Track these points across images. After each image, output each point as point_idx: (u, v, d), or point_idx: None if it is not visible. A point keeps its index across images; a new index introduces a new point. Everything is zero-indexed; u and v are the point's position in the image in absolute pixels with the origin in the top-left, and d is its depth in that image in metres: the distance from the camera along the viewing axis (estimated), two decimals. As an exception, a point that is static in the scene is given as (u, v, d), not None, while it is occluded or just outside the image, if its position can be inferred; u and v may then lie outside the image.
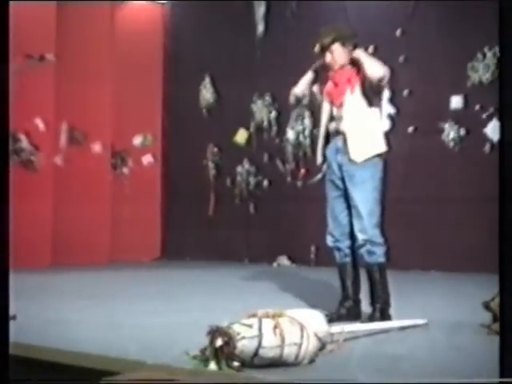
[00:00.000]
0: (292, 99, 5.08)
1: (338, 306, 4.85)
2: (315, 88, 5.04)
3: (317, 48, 4.91)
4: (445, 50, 8.34)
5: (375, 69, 4.74)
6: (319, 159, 5.00)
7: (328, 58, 4.86)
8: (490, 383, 2.97)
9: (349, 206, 4.85)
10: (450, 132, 8.41)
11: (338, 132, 4.85)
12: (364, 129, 4.81)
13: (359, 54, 4.82)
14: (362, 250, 4.79)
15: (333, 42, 4.82)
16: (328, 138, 4.94)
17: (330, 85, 4.95)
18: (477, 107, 8.23)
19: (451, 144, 8.42)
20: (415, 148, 8.49)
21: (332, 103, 4.91)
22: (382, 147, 4.85)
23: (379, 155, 4.83)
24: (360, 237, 4.77)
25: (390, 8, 8.69)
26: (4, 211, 3.28)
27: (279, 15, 9.76)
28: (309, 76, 5.02)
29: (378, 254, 4.76)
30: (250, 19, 9.98)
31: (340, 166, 4.84)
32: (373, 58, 4.86)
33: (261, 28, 9.97)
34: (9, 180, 3.34)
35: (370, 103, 4.81)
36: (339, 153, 4.84)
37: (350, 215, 4.85)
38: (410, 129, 8.61)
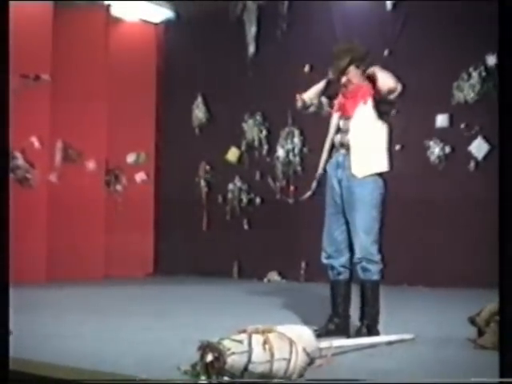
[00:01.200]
0: (299, 104, 5.07)
1: (327, 322, 4.86)
2: (324, 99, 5.06)
3: (334, 72, 4.92)
4: (431, 70, 8.45)
5: (387, 80, 4.74)
6: (320, 171, 4.98)
7: (343, 79, 4.89)
8: (490, 383, 3.03)
9: (345, 222, 4.84)
10: (436, 150, 8.54)
11: (342, 145, 4.84)
12: (369, 144, 4.81)
13: (374, 69, 4.83)
14: (358, 267, 4.78)
15: (348, 65, 4.85)
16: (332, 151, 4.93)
17: (342, 97, 4.96)
18: (462, 126, 8.36)
19: (437, 161, 8.56)
20: (402, 165, 8.58)
21: (341, 115, 4.91)
22: (384, 166, 4.85)
23: (380, 173, 4.83)
24: (356, 254, 4.76)
25: (378, 29, 8.81)
26: (4, 228, 3.34)
27: (270, 36, 9.86)
28: (320, 85, 5.05)
29: (373, 272, 4.76)
30: (241, 40, 10.09)
31: (339, 182, 4.84)
32: (387, 72, 4.84)
33: (252, 48, 10.08)
34: (8, 199, 3.41)
35: (379, 120, 4.83)
36: (339, 168, 4.84)
37: (347, 232, 4.84)
38: (397, 147, 8.73)
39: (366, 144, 4.81)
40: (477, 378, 3.17)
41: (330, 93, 5.06)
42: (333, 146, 4.93)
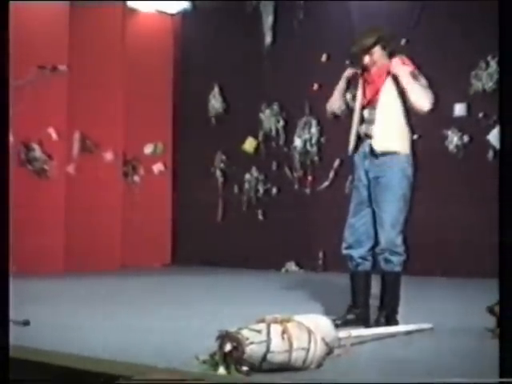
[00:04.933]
0: (329, 114, 5.04)
1: (346, 312, 4.83)
2: (348, 96, 4.96)
3: (356, 48, 4.82)
4: (448, 59, 8.41)
5: (421, 102, 4.67)
6: (350, 152, 4.90)
7: (366, 59, 4.79)
8: (490, 383, 3.01)
9: (369, 213, 4.80)
10: (454, 139, 8.51)
11: (367, 135, 4.77)
12: (392, 124, 4.73)
13: (403, 78, 4.67)
14: (380, 257, 4.76)
15: (375, 44, 4.76)
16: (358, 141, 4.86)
17: (364, 84, 4.86)
18: (480, 115, 8.32)
19: (455, 151, 8.53)
20: (419, 154, 8.55)
21: (365, 104, 4.81)
22: (406, 147, 4.78)
23: (407, 161, 4.78)
24: (380, 244, 4.74)
25: (395, 18, 8.76)
26: (4, 217, 3.34)
27: (287, 25, 9.85)
28: (341, 86, 4.95)
29: (395, 263, 4.73)
30: (258, 29, 10.09)
31: (367, 173, 4.79)
32: (418, 86, 4.69)
33: (269, 38, 10.08)
34: (8, 186, 3.41)
35: (403, 105, 4.74)
36: (366, 159, 4.78)
37: (370, 223, 4.80)
38: (415, 136, 8.68)
39: (389, 123, 4.74)
40: (477, 378, 3.15)
41: (352, 89, 4.95)
42: (358, 137, 4.86)
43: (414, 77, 4.74)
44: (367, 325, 4.75)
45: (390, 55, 4.83)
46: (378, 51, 4.79)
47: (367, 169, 4.80)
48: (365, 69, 4.87)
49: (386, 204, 4.73)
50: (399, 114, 4.77)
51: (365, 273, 4.89)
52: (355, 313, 4.84)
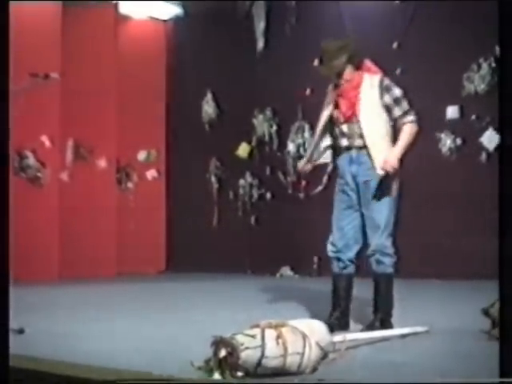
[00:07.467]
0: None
1: (329, 316, 4.78)
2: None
3: (326, 71, 4.78)
4: (441, 62, 8.42)
5: (413, 136, 4.82)
6: (302, 165, 4.97)
7: (338, 80, 4.75)
8: (490, 383, 3.02)
9: (357, 217, 4.80)
10: (447, 141, 8.53)
11: (350, 148, 4.75)
12: (384, 140, 4.74)
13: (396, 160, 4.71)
14: (371, 259, 4.76)
15: (345, 65, 4.70)
16: (333, 149, 4.86)
17: (337, 98, 4.81)
18: (473, 117, 8.34)
19: (448, 153, 8.55)
20: (412, 157, 8.55)
21: (342, 119, 4.77)
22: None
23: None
24: (371, 247, 4.74)
25: (387, 21, 8.80)
26: (4, 226, 3.33)
27: (279, 30, 9.88)
28: (313, 146, 4.95)
29: (387, 265, 4.74)
30: (250, 35, 10.11)
31: (354, 177, 4.78)
32: (403, 144, 4.77)
33: (261, 43, 10.10)
34: (8, 196, 3.39)
35: (384, 115, 4.74)
36: (354, 163, 4.76)
37: (358, 227, 4.80)
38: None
39: (381, 141, 4.73)
40: (477, 378, 3.15)
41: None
42: (333, 147, 4.87)
43: (386, 90, 4.74)
44: (347, 328, 4.73)
45: (357, 65, 4.78)
46: (349, 69, 4.74)
47: (355, 173, 4.79)
48: (335, 87, 4.83)
49: (377, 206, 4.73)
50: (383, 126, 4.75)
51: (350, 275, 4.89)
52: (337, 316, 4.82)
